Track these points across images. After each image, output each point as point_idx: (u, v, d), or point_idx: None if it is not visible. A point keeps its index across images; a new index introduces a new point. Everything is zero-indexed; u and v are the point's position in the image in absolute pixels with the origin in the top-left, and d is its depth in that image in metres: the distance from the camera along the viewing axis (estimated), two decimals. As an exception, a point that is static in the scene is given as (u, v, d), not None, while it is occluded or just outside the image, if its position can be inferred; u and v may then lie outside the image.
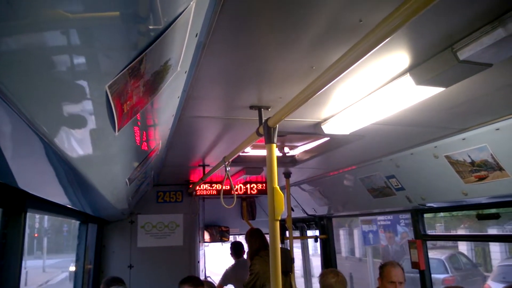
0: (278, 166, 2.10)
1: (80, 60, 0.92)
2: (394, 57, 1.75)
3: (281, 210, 2.02)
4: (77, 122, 1.18)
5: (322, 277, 3.62)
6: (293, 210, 6.16)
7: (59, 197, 2.27)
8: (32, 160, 1.39)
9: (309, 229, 6.79)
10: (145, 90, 1.26)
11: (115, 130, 1.31)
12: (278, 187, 2.03)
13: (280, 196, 2.01)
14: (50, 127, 1.06)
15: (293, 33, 1.52)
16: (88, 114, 1.16)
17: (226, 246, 6.99)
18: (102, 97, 1.06)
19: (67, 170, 1.53)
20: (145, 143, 2.28)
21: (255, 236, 5.04)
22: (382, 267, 3.75)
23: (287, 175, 5.09)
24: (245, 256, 6.44)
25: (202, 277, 6.33)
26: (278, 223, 2.03)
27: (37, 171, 1.56)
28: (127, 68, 1.00)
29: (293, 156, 4.34)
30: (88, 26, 0.84)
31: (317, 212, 6.00)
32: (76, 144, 1.32)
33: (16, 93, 0.83)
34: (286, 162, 4.39)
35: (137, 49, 1.00)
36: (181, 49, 1.31)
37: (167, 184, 5.79)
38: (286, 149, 4.20)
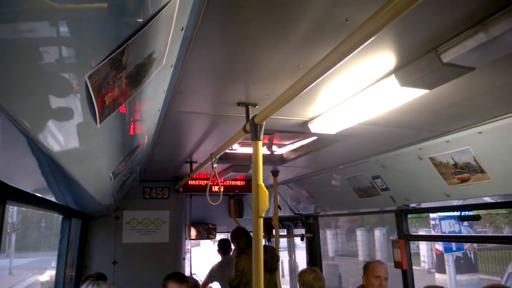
0: (266, 164, 2.11)
1: (59, 49, 0.91)
2: (380, 58, 1.76)
3: (265, 207, 2.03)
4: (57, 113, 1.16)
5: (300, 275, 3.68)
6: (280, 208, 6.18)
7: (41, 190, 2.25)
8: (11, 151, 1.37)
9: (296, 227, 6.82)
10: (128, 82, 1.25)
11: (96, 122, 1.30)
12: (263, 184, 2.03)
13: (265, 193, 2.02)
14: (30, 119, 1.05)
15: (280, 30, 1.53)
16: (68, 105, 1.15)
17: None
18: (82, 87, 1.05)
19: (47, 162, 1.52)
20: (130, 137, 2.27)
21: (241, 234, 5.06)
22: (367, 265, 3.87)
23: (275, 173, 5.11)
24: (231, 253, 6.46)
25: (187, 274, 6.32)
26: (262, 220, 2.04)
27: (16, 163, 1.54)
28: (107, 58, 0.99)
29: (281, 155, 4.35)
30: (67, 15, 0.83)
31: (304, 211, 6.03)
32: (57, 136, 1.30)
33: None
34: (274, 160, 4.40)
35: (119, 40, 0.99)
36: (166, 42, 1.31)
37: (154, 180, 5.76)
38: (274, 148, 4.22)
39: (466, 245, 14.40)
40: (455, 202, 3.39)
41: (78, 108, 1.18)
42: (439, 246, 15.29)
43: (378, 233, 18.68)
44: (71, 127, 1.31)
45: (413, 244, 18.26)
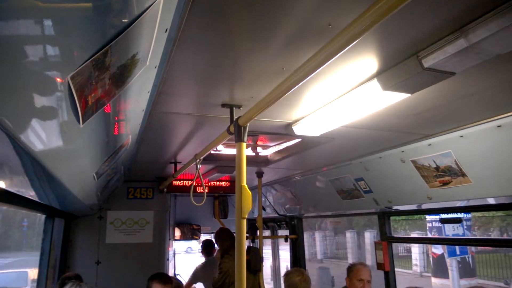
0: (251, 165, 2.13)
1: (42, 50, 0.91)
2: (362, 62, 1.79)
3: (249, 209, 2.04)
4: (40, 113, 1.16)
5: (286, 276, 3.67)
6: (264, 209, 6.20)
7: (23, 189, 2.22)
8: None
9: (280, 229, 6.84)
10: (111, 83, 1.25)
11: (79, 122, 1.29)
12: (246, 186, 2.04)
13: (248, 194, 2.03)
14: (12, 117, 1.04)
15: (264, 33, 1.54)
16: (51, 105, 1.14)
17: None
18: (65, 88, 1.05)
19: (29, 162, 1.50)
20: (114, 137, 2.25)
21: (225, 235, 5.07)
22: (351, 267, 3.88)
23: (259, 174, 5.12)
24: (215, 254, 6.46)
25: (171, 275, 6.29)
26: (245, 221, 2.05)
27: (-3, 161, 1.52)
28: (90, 59, 0.99)
29: (265, 156, 4.37)
30: (50, 16, 0.83)
31: (288, 212, 6.06)
32: (39, 136, 1.29)
33: None
34: (259, 161, 4.41)
35: (102, 41, 0.99)
36: (150, 44, 1.31)
37: (138, 180, 5.72)
38: (259, 149, 4.23)
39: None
40: (459, 203, 3.35)
41: (61, 108, 1.17)
42: (436, 249, 14.64)
43: (368, 235, 18.10)
44: (54, 126, 1.30)
45: (400, 247, 18.08)
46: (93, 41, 0.99)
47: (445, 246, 13.93)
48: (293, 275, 3.62)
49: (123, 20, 1.01)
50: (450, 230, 13.09)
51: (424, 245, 16.33)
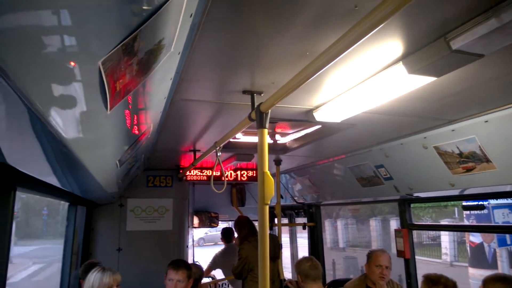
0: (268, 153, 2.11)
1: (73, 36, 0.91)
2: (388, 45, 1.75)
3: (271, 195, 2.04)
4: (70, 99, 1.17)
5: (297, 264, 3.72)
6: (282, 197, 6.21)
7: (50, 176, 2.25)
8: (23, 136, 1.37)
9: (298, 216, 6.85)
10: (138, 69, 1.25)
11: (107, 109, 1.30)
12: (268, 172, 2.04)
13: (270, 181, 2.03)
14: (44, 103, 1.05)
15: (287, 16, 1.52)
16: (81, 91, 1.15)
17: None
18: (95, 74, 1.05)
19: (58, 148, 1.52)
20: (136, 125, 2.27)
21: (244, 223, 5.11)
22: (370, 253, 3.90)
23: (278, 162, 5.12)
24: (234, 241, 6.53)
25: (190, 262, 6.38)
26: (267, 208, 2.05)
27: (27, 148, 1.55)
28: (120, 44, 0.99)
29: (284, 144, 4.36)
30: (82, 1, 0.83)
31: (306, 200, 6.06)
32: (68, 122, 1.31)
33: (14, 69, 0.82)
34: (277, 149, 4.41)
35: (131, 26, 0.99)
36: (175, 29, 1.30)
37: (157, 168, 5.78)
38: (277, 137, 4.22)
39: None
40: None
41: (91, 95, 1.18)
42: (474, 238, 13.41)
43: (394, 223, 16.79)
44: (83, 113, 1.31)
45: (425, 234, 17.46)
46: (124, 26, 0.99)
47: (495, 235, 12.57)
48: (302, 262, 3.66)
49: (152, 4, 1.00)
50: (500, 218, 11.84)
51: (455, 233, 15.47)
